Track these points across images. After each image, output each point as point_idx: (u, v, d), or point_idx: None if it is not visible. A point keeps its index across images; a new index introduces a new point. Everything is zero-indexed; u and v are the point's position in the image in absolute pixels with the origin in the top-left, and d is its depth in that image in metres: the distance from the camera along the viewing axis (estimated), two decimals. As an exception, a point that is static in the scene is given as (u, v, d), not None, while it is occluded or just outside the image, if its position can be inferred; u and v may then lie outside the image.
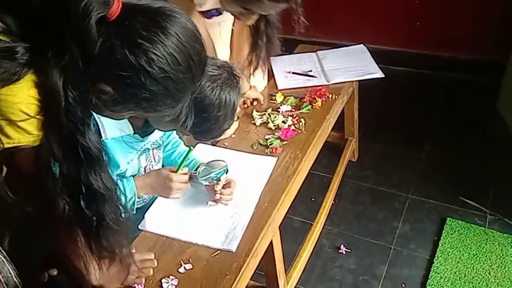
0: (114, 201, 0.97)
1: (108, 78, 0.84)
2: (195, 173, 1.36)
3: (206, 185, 1.43)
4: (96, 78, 0.83)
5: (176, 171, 1.29)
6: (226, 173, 1.36)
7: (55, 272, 1.53)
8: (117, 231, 1.01)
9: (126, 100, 0.89)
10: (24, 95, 0.81)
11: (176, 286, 1.20)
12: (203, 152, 1.59)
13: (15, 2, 0.85)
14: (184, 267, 1.25)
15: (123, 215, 1.02)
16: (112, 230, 0.99)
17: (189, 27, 0.87)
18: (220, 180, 1.36)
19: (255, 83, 1.93)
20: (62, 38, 0.79)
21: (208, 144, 1.72)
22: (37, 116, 0.83)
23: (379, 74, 2.03)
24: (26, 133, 0.84)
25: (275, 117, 1.82)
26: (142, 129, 1.30)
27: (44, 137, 0.86)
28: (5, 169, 1.02)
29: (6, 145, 0.84)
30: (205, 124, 1.21)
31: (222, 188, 1.40)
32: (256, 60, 1.76)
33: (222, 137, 1.74)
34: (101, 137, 1.20)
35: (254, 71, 1.84)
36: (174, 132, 1.57)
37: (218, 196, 1.40)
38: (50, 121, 0.84)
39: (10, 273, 1.20)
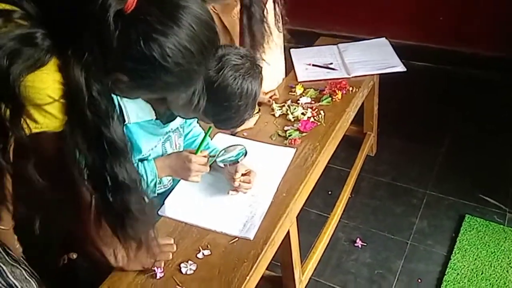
0: (139, 192, 0.99)
1: (125, 70, 0.85)
2: (214, 155, 1.36)
3: (226, 171, 1.44)
4: (113, 68, 0.85)
5: (195, 153, 1.31)
6: (245, 155, 1.37)
7: (74, 256, 1.58)
8: (142, 221, 1.03)
9: (140, 88, 0.91)
10: (50, 81, 0.82)
11: (194, 270, 1.22)
12: (222, 142, 1.60)
13: None
14: (203, 253, 1.26)
15: (147, 205, 1.03)
16: (138, 220, 1.01)
17: (203, 16, 0.87)
18: (238, 162, 1.36)
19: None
20: (81, 34, 0.80)
21: (228, 133, 1.74)
22: (61, 100, 0.84)
23: (400, 68, 2.02)
24: (53, 117, 0.85)
25: (295, 109, 1.83)
26: (164, 116, 1.32)
27: (69, 130, 0.87)
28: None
29: (34, 130, 0.85)
30: (226, 113, 1.22)
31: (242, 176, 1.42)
32: (252, 40, 1.74)
33: (242, 127, 1.75)
34: (124, 121, 1.22)
35: (254, 50, 1.79)
36: (195, 121, 1.58)
37: (237, 183, 1.41)
38: (74, 115, 0.85)
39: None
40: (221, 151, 1.38)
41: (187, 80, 0.91)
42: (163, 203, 1.41)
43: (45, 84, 0.81)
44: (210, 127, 1.35)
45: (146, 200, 1.03)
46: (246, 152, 1.37)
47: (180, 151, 1.38)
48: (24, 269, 1.23)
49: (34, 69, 0.81)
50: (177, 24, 0.83)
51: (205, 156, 1.32)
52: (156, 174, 1.31)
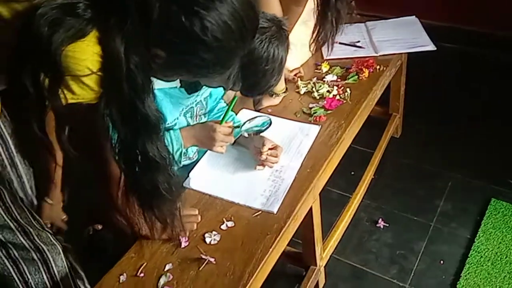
0: (168, 170, 1.00)
1: (162, 44, 0.85)
2: (239, 125, 1.37)
3: (252, 146, 1.45)
4: (152, 43, 0.85)
5: (220, 123, 1.31)
6: (269, 125, 1.36)
7: (99, 227, 1.61)
8: (169, 201, 1.04)
9: (177, 66, 0.91)
10: (90, 52, 0.83)
11: (218, 241, 1.23)
12: (247, 118, 1.59)
13: None
14: (226, 224, 1.28)
15: (174, 185, 1.04)
16: (165, 200, 1.02)
17: None
18: (262, 131, 1.36)
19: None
20: (122, 5, 0.80)
21: (252, 110, 1.74)
22: (99, 73, 0.85)
23: (430, 47, 1.97)
24: (90, 89, 0.86)
25: (320, 86, 1.81)
26: (189, 85, 1.32)
27: (105, 103, 0.88)
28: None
29: (70, 101, 0.86)
30: (252, 78, 1.19)
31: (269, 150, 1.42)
32: (323, 34, 1.73)
33: (267, 104, 1.75)
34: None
35: (322, 45, 1.81)
36: (221, 96, 1.59)
37: (264, 156, 1.41)
38: (111, 88, 0.86)
39: (63, 265, 1.27)
40: (246, 121, 1.38)
41: (223, 60, 0.90)
42: (188, 176, 1.43)
43: (85, 56, 0.82)
44: (234, 97, 1.35)
45: (174, 179, 1.04)
46: (270, 122, 1.36)
47: (205, 122, 1.38)
48: (50, 233, 1.27)
49: (75, 39, 0.81)
50: None
51: (229, 127, 1.33)
52: (182, 143, 1.32)
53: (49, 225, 1.38)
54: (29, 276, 1.21)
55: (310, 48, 1.90)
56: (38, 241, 1.21)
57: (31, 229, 1.20)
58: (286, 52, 1.23)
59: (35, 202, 1.31)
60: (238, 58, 0.94)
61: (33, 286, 1.21)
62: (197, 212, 1.30)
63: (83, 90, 0.85)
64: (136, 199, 1.01)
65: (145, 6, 0.80)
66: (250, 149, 1.49)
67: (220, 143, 1.33)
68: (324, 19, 1.70)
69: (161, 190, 0.99)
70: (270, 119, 1.38)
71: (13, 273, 1.19)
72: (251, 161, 1.49)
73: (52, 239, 1.26)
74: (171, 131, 1.33)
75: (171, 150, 1.36)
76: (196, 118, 1.46)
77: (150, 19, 0.81)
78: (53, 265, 1.25)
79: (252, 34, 0.92)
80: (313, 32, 1.80)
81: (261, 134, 1.45)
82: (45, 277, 1.23)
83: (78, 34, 0.82)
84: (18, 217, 1.18)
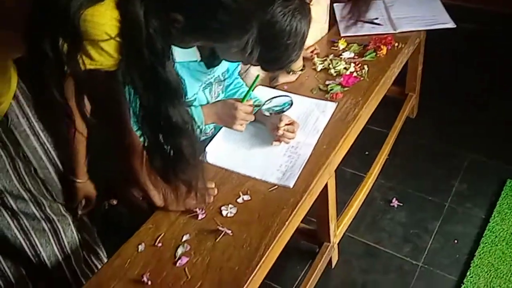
0: (191, 135, 0.99)
1: (181, 8, 0.84)
2: (259, 104, 1.37)
3: (269, 122, 1.45)
4: (170, 7, 0.84)
5: (242, 101, 1.31)
6: (290, 106, 1.36)
7: (114, 202, 1.63)
8: (193, 165, 1.04)
9: (196, 30, 0.89)
10: (108, 17, 0.82)
11: (234, 214, 1.24)
12: (264, 94, 1.59)
13: None
14: (243, 198, 1.29)
15: (198, 149, 1.04)
16: (189, 163, 1.02)
17: None
18: (283, 111, 1.36)
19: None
20: None
21: (268, 86, 1.73)
22: (117, 38, 0.84)
23: (450, 25, 1.94)
24: (108, 55, 0.85)
25: (337, 63, 1.79)
26: (209, 59, 1.32)
27: (125, 69, 0.87)
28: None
29: (89, 66, 0.86)
30: (274, 52, 1.19)
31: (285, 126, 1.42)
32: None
33: (283, 81, 1.74)
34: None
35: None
36: (237, 72, 1.58)
37: (281, 132, 1.41)
38: (131, 53, 0.85)
39: (72, 235, 1.28)
40: (267, 100, 1.37)
41: (241, 23, 0.89)
42: (205, 150, 1.43)
43: (104, 20, 0.81)
44: (257, 76, 1.34)
45: (197, 143, 1.04)
46: (292, 103, 1.36)
47: (226, 99, 1.38)
48: (62, 205, 1.29)
49: (94, 3, 0.80)
50: None
51: (250, 105, 1.32)
52: (203, 120, 1.33)
53: (83, 203, 1.40)
54: (40, 249, 1.23)
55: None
56: (49, 211, 1.23)
57: (43, 200, 1.22)
58: (308, 27, 1.21)
59: (52, 172, 1.32)
60: (256, 22, 0.93)
61: (45, 258, 1.24)
62: (213, 185, 1.31)
63: (101, 56, 0.84)
64: (160, 165, 1.02)
65: None
66: (267, 125, 1.49)
67: (241, 121, 1.33)
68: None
69: (185, 154, 0.99)
70: (291, 100, 1.38)
71: (24, 245, 1.21)
72: (267, 136, 1.49)
73: (62, 211, 1.28)
74: (192, 108, 1.33)
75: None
76: (214, 93, 1.46)
77: None
78: (63, 236, 1.27)
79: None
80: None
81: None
82: (55, 248, 1.25)
83: None
84: (32, 188, 1.19)
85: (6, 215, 1.17)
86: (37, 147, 1.24)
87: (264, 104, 1.36)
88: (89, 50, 0.83)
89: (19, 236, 1.20)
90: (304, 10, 1.20)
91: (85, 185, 1.36)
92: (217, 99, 1.49)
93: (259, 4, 0.89)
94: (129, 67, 0.86)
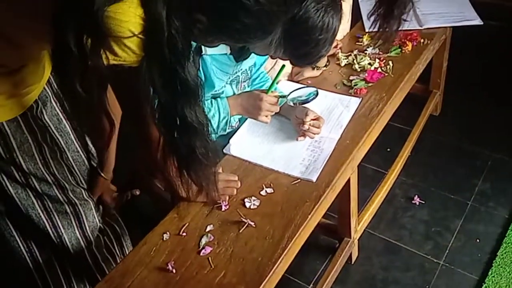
0: (205, 136, 1.01)
1: (204, 8, 0.85)
2: (284, 95, 1.37)
3: (294, 117, 1.46)
4: (193, 8, 0.85)
5: (267, 92, 1.32)
6: (316, 96, 1.36)
7: (137, 192, 1.66)
8: (205, 166, 1.05)
9: (218, 31, 0.90)
10: (132, 14, 0.82)
11: (257, 206, 1.26)
12: (287, 88, 1.59)
13: None
14: (266, 191, 1.30)
15: (212, 150, 1.05)
16: (201, 164, 1.04)
17: None
18: (308, 102, 1.36)
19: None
20: None
21: (292, 80, 1.74)
22: (141, 35, 0.85)
23: (477, 21, 1.91)
24: (131, 52, 0.86)
25: (361, 58, 1.79)
26: (238, 52, 1.33)
27: (146, 66, 0.88)
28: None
29: (112, 62, 0.87)
30: (305, 47, 1.19)
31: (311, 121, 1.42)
32: (386, 33, 1.64)
33: (307, 75, 1.74)
34: (201, 52, 1.24)
35: (385, 43, 1.72)
36: (264, 66, 1.58)
37: (307, 126, 1.42)
38: (152, 51, 0.86)
39: (94, 220, 1.31)
40: (293, 91, 1.38)
41: (265, 24, 0.89)
42: (229, 142, 1.45)
43: (127, 17, 0.82)
44: (282, 67, 1.34)
45: (211, 145, 1.05)
46: (317, 93, 1.36)
47: (251, 91, 1.39)
48: (85, 190, 1.32)
49: (118, 0, 0.82)
50: None
51: (275, 96, 1.33)
52: (229, 112, 1.34)
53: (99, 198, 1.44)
54: (62, 231, 1.26)
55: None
56: (72, 195, 1.27)
57: (66, 184, 1.25)
58: (339, 22, 1.20)
59: (86, 162, 1.35)
60: (281, 23, 0.93)
61: (67, 240, 1.27)
62: (236, 178, 1.32)
63: (124, 52, 0.86)
64: (174, 161, 1.04)
65: None
66: (292, 119, 1.50)
67: (266, 112, 1.34)
68: (389, 17, 1.57)
69: (197, 154, 1.00)
70: (316, 90, 1.38)
71: (48, 226, 1.24)
72: (291, 130, 1.50)
73: (85, 195, 1.31)
74: (218, 100, 1.35)
75: (218, 118, 1.38)
76: (240, 86, 1.47)
77: None
78: (85, 220, 1.30)
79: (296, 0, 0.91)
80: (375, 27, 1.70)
81: (304, 105, 1.46)
82: (77, 231, 1.28)
83: None
84: (56, 172, 1.23)
85: (31, 195, 1.20)
86: (69, 131, 1.28)
87: (289, 94, 1.37)
88: (112, 45, 0.84)
89: (42, 216, 1.23)
90: (336, 6, 1.19)
91: (107, 181, 1.39)
92: (244, 91, 1.50)
93: (283, 6, 0.88)
94: (149, 65, 0.87)
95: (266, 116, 1.36)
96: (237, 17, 0.85)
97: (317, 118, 1.45)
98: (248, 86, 1.54)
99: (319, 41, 1.14)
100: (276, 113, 1.47)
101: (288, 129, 1.51)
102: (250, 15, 0.85)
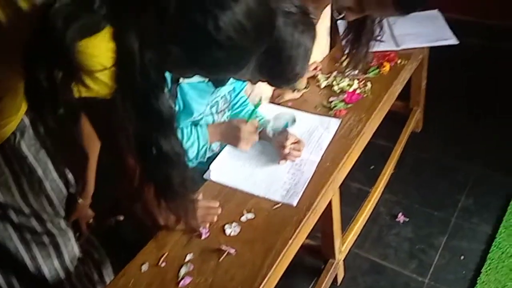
0: (182, 166, 1.00)
1: (177, 41, 0.85)
2: (263, 124, 1.38)
3: (275, 140, 1.46)
4: (167, 40, 0.84)
5: (246, 121, 1.33)
6: (293, 123, 1.37)
7: (121, 218, 1.65)
8: (183, 195, 1.05)
9: (192, 64, 0.90)
10: (103, 48, 0.82)
11: (238, 232, 1.25)
12: (268, 111, 1.60)
13: None
14: (246, 216, 1.29)
15: (189, 180, 1.05)
16: (178, 194, 1.03)
17: None
18: (286, 129, 1.37)
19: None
20: (138, 0, 0.80)
21: (273, 103, 1.75)
22: (113, 68, 0.84)
23: (453, 41, 1.95)
24: (104, 84, 0.86)
25: (341, 80, 1.81)
26: (217, 79, 1.34)
27: (119, 97, 0.88)
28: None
29: (85, 95, 0.86)
30: (279, 66, 1.18)
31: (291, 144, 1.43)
32: (355, 57, 1.72)
33: (288, 98, 1.75)
34: (178, 81, 1.25)
35: (355, 67, 1.78)
36: (243, 91, 1.59)
37: (287, 150, 1.42)
38: (125, 82, 0.86)
39: (73, 250, 1.30)
40: (270, 119, 1.39)
41: (237, 59, 0.89)
42: (209, 168, 1.45)
43: (98, 52, 0.82)
44: (259, 102, 1.36)
45: (188, 175, 1.04)
46: (294, 120, 1.37)
47: (231, 119, 1.40)
48: (64, 219, 1.30)
49: (89, 35, 0.81)
50: None
51: (254, 125, 1.34)
52: (208, 140, 1.35)
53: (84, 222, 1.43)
54: (41, 262, 1.23)
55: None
56: (50, 226, 1.25)
57: (45, 215, 1.24)
58: (312, 41, 1.20)
59: (64, 190, 1.34)
60: (254, 58, 0.93)
61: (46, 272, 1.25)
62: (217, 205, 1.32)
63: (96, 85, 0.85)
64: (151, 191, 1.03)
65: (161, 2, 0.80)
66: (273, 143, 1.50)
67: (245, 141, 1.34)
68: (358, 44, 1.66)
69: (174, 184, 1.00)
70: (294, 117, 1.38)
71: (26, 258, 1.22)
72: (272, 153, 1.50)
73: (64, 225, 1.29)
74: (198, 127, 1.35)
75: (197, 146, 1.38)
76: (220, 112, 1.48)
77: (166, 15, 0.80)
78: (64, 250, 1.28)
79: (268, 34, 0.91)
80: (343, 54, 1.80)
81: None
82: (56, 262, 1.26)
83: (92, 30, 0.82)
84: (34, 203, 1.21)
85: (9, 227, 1.18)
86: (47, 160, 1.26)
87: (267, 123, 1.38)
88: (85, 79, 0.84)
89: (20, 248, 1.21)
90: (306, 23, 1.19)
91: (85, 206, 1.38)
92: (223, 117, 1.51)
93: (255, 42, 0.88)
94: (122, 96, 0.87)
95: (246, 144, 1.36)
96: (209, 51, 0.85)
97: (297, 142, 1.46)
98: (228, 111, 1.54)
99: (291, 58, 1.14)
100: None
101: (270, 152, 1.51)
102: (222, 50, 0.85)
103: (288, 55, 1.16)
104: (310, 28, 1.20)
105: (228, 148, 1.51)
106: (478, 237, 1.94)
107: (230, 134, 1.36)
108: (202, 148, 1.36)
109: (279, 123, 1.38)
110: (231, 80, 1.42)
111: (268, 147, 1.52)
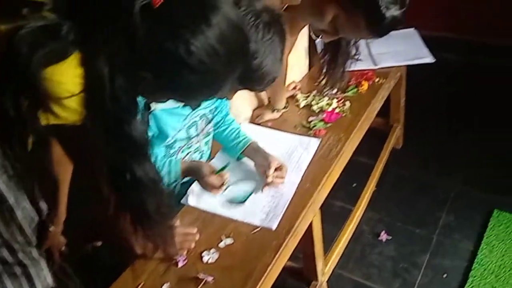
0: (158, 192, 0.98)
1: (148, 66, 0.83)
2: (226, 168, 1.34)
3: (258, 164, 1.45)
4: (137, 65, 0.83)
5: (216, 172, 1.30)
6: (255, 193, 1.35)
7: (99, 244, 1.61)
8: (159, 223, 1.02)
9: (164, 88, 0.89)
10: (70, 75, 0.81)
11: (216, 259, 1.22)
12: (249, 132, 1.58)
13: None
14: (225, 242, 1.27)
15: (165, 207, 1.02)
16: (155, 221, 1.00)
17: (233, 18, 0.85)
18: (244, 202, 1.35)
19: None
20: (107, 25, 0.79)
21: (254, 123, 1.74)
22: (81, 94, 0.83)
23: (429, 59, 1.97)
24: (72, 111, 0.84)
25: (320, 99, 1.81)
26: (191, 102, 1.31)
27: (90, 123, 0.86)
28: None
29: (53, 122, 0.85)
30: (250, 73, 1.15)
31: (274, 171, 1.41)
32: (332, 77, 1.74)
33: (268, 118, 1.74)
34: (149, 109, 1.23)
35: (332, 86, 1.81)
36: (227, 110, 1.57)
37: (270, 179, 1.40)
38: (95, 108, 0.84)
39: (46, 280, 1.26)
40: (230, 185, 1.34)
41: (210, 83, 0.88)
42: (186, 193, 1.42)
43: (65, 79, 0.81)
44: (227, 164, 1.34)
45: (164, 201, 1.02)
46: (254, 190, 1.34)
47: (202, 165, 1.36)
48: (36, 249, 1.26)
49: (55, 62, 0.80)
50: (206, 22, 0.81)
51: (221, 184, 1.31)
52: (179, 176, 1.32)
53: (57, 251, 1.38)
54: None
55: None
56: (22, 256, 1.21)
57: (16, 245, 1.20)
58: (282, 42, 1.20)
59: (36, 218, 1.30)
60: (229, 82, 0.91)
61: None
62: (195, 231, 1.29)
63: (65, 112, 0.83)
64: (127, 218, 1.00)
65: (130, 27, 0.78)
66: (255, 165, 1.48)
67: (208, 188, 1.33)
68: (334, 64, 1.68)
69: (150, 211, 0.97)
70: (254, 188, 1.38)
71: None
72: (251, 176, 1.48)
73: (36, 255, 1.25)
74: (172, 161, 1.32)
75: (168, 181, 1.36)
76: (202, 132, 1.45)
77: (135, 41, 0.79)
78: (37, 281, 1.24)
79: (241, 59, 0.90)
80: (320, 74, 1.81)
81: (266, 150, 1.45)
82: None
83: (59, 56, 0.80)
84: (5, 233, 1.17)
85: None
86: (19, 189, 1.22)
87: (225, 190, 1.36)
88: (53, 107, 0.82)
89: None
90: (275, 24, 1.17)
91: (57, 233, 1.34)
92: (207, 137, 1.48)
93: (229, 66, 0.86)
94: (93, 122, 0.85)
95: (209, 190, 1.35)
96: (181, 74, 0.84)
97: (280, 167, 1.43)
98: (211, 129, 1.51)
99: (262, 63, 1.14)
100: (239, 157, 1.49)
101: (249, 176, 1.49)
102: (194, 74, 0.83)
103: (260, 61, 1.15)
104: (281, 30, 1.19)
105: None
106: (460, 254, 1.94)
107: (197, 179, 1.34)
108: (173, 182, 1.33)
109: (237, 194, 1.34)
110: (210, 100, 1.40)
111: (248, 171, 1.50)
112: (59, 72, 0.80)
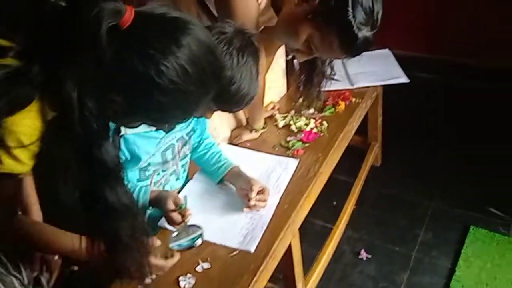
0: (131, 218, 0.96)
1: (118, 88, 0.83)
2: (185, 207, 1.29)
3: (239, 187, 1.45)
4: (106, 88, 0.82)
5: (179, 208, 1.27)
6: (201, 239, 1.27)
7: (75, 268, 1.57)
8: (134, 250, 1.00)
9: (135, 111, 0.88)
10: (26, 125, 0.80)
11: (193, 284, 1.20)
12: (228, 153, 1.58)
13: (26, 16, 0.85)
14: (202, 266, 1.25)
15: (139, 232, 1.00)
16: (128, 248, 0.98)
17: (203, 39, 0.85)
18: (193, 247, 1.27)
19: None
20: (74, 49, 0.78)
21: (232, 144, 1.74)
22: (32, 147, 0.82)
23: (403, 79, 2.01)
24: (19, 162, 0.83)
25: (298, 119, 1.82)
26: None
27: (61, 149, 0.85)
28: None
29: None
30: (226, 97, 1.17)
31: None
32: (309, 97, 1.76)
33: (246, 138, 1.74)
34: (119, 132, 1.21)
35: (309, 106, 1.84)
36: (206, 132, 1.56)
37: (252, 202, 1.39)
38: (65, 133, 0.83)
39: (13, 283, 1.23)
40: (176, 232, 1.27)
41: (182, 103, 0.87)
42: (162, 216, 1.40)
43: (18, 128, 0.80)
44: (185, 197, 1.32)
45: (138, 227, 0.99)
46: (202, 235, 1.27)
47: (168, 198, 1.29)
48: (16, 278, 1.23)
49: (18, 109, 0.79)
50: (176, 43, 0.81)
51: (181, 222, 1.27)
52: (147, 206, 1.30)
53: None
54: None
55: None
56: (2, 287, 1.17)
57: None
58: (256, 61, 1.20)
59: None
60: (202, 104, 0.91)
61: None
62: (173, 262, 1.25)
63: (10, 160, 0.82)
64: (100, 245, 0.98)
65: (96, 50, 0.77)
66: (236, 189, 1.47)
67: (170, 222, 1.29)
68: (310, 84, 1.70)
69: (122, 237, 0.95)
70: (202, 232, 1.28)
71: None
72: (230, 198, 1.47)
73: (16, 285, 1.22)
74: (142, 189, 1.30)
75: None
76: (178, 155, 1.43)
77: (103, 63, 0.78)
78: None
79: (214, 80, 0.89)
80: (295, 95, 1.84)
81: (247, 174, 1.45)
82: None
83: (21, 103, 0.79)
84: None
85: None
86: None
87: (172, 238, 1.26)
88: (1, 154, 0.81)
89: None
90: (248, 44, 1.19)
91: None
92: (183, 159, 1.47)
93: (201, 87, 0.86)
94: (63, 147, 0.83)
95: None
96: (152, 96, 0.83)
97: (262, 190, 1.42)
98: (190, 153, 1.50)
99: (239, 87, 1.14)
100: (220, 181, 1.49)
101: (228, 197, 1.48)
102: (165, 94, 0.83)
103: (238, 86, 1.16)
104: (252, 49, 1.21)
105: (182, 193, 1.47)
106: (438, 271, 1.95)
107: (158, 207, 1.30)
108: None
109: (184, 240, 1.26)
110: (190, 120, 1.39)
111: (225, 192, 1.49)
112: (17, 121, 0.79)
